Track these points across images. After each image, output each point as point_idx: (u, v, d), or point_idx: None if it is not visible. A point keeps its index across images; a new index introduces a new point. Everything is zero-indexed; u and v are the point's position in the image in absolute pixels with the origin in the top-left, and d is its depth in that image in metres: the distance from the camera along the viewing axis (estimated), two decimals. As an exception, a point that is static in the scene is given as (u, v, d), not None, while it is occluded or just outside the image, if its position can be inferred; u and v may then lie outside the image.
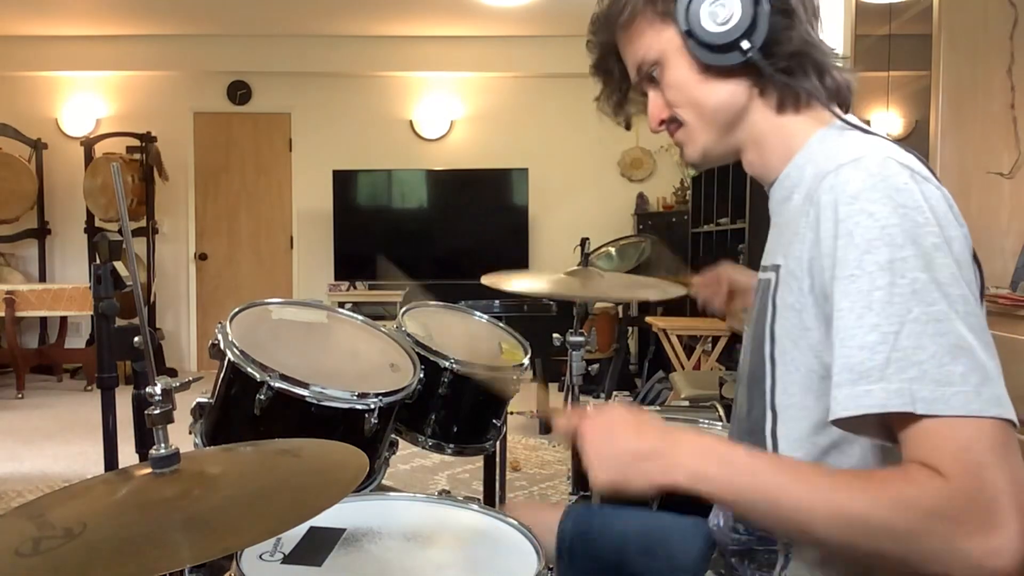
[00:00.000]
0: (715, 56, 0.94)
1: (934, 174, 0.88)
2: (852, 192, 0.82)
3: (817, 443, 0.89)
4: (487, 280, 1.96)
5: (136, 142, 6.37)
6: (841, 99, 0.99)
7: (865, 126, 0.95)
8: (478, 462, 2.66)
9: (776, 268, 0.93)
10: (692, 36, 0.94)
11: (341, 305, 5.29)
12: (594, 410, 0.93)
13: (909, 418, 0.76)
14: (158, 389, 0.87)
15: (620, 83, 1.09)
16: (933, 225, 0.80)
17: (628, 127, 1.15)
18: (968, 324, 0.77)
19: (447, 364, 1.73)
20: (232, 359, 1.42)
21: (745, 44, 0.92)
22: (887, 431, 0.79)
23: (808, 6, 0.96)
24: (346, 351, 1.66)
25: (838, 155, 0.88)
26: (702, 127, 1.00)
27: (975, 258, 0.87)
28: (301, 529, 1.08)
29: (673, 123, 1.03)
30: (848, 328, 0.79)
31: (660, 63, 0.99)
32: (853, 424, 0.79)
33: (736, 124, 0.99)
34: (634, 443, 0.87)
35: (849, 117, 0.96)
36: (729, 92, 0.97)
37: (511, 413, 2.99)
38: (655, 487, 0.84)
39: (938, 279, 0.78)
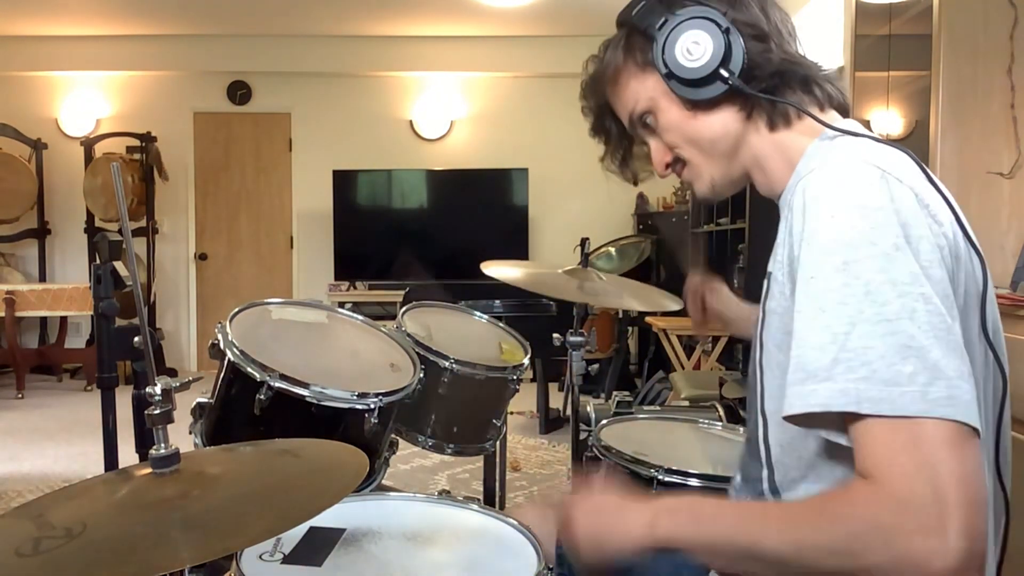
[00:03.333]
0: (698, 91, 0.97)
1: (926, 172, 0.88)
2: (817, 195, 0.84)
3: (808, 448, 0.90)
4: (487, 267, 1.97)
5: (136, 142, 6.38)
6: (836, 106, 1.00)
7: (857, 129, 0.95)
8: (478, 462, 2.67)
9: (768, 275, 0.94)
10: (673, 77, 0.97)
11: (341, 305, 5.28)
12: (577, 497, 0.97)
13: (856, 418, 0.76)
14: (158, 389, 0.87)
15: (620, 140, 1.15)
16: (894, 225, 0.80)
17: (635, 183, 1.21)
18: (927, 323, 0.76)
19: (447, 364, 1.73)
20: (232, 359, 1.42)
21: (724, 72, 0.95)
22: (844, 430, 0.79)
23: (783, 28, 0.99)
24: (346, 351, 1.66)
25: (816, 162, 0.90)
26: (704, 161, 1.03)
27: (978, 253, 0.87)
28: (301, 529, 1.08)
29: (677, 164, 1.06)
30: (803, 329, 0.80)
31: (651, 110, 1.03)
32: (806, 421, 0.80)
33: (736, 151, 1.01)
34: (612, 508, 0.92)
35: (842, 123, 0.97)
36: (721, 122, 1.00)
37: (511, 413, 2.99)
38: (634, 544, 0.88)
39: (895, 279, 0.77)
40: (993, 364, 0.90)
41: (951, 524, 0.70)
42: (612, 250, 6.22)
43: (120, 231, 6.12)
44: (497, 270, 1.96)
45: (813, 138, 0.98)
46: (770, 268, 0.94)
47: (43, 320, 6.51)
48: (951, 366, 0.75)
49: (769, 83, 0.96)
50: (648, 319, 5.35)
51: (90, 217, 6.40)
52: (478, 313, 2.09)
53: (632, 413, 1.85)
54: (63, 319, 6.28)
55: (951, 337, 0.76)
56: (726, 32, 0.94)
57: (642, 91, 1.03)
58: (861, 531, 0.72)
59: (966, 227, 0.88)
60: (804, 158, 0.97)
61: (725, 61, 0.94)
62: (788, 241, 0.88)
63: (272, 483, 0.89)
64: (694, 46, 0.95)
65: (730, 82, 0.95)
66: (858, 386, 0.75)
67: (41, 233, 6.66)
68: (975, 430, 0.73)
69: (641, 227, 6.57)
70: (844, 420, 0.77)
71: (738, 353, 4.79)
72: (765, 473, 0.96)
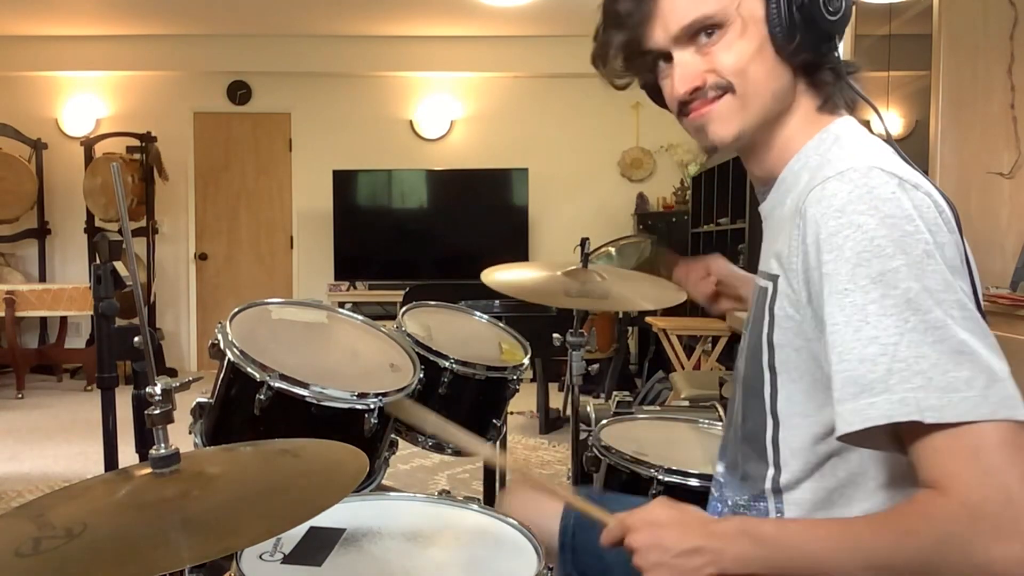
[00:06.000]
0: (804, 43, 0.90)
1: (928, 178, 0.88)
2: (838, 206, 0.82)
3: (817, 451, 0.90)
4: (486, 275, 1.96)
5: (136, 142, 6.37)
6: (850, 104, 0.99)
7: (862, 128, 0.95)
8: (478, 462, 2.66)
9: (774, 278, 0.92)
10: (801, 11, 0.88)
11: (341, 305, 5.28)
12: (636, 515, 0.90)
13: (918, 428, 0.75)
14: (158, 389, 0.87)
15: (634, 29, 0.96)
16: (922, 233, 0.79)
17: (618, 87, 1.03)
18: (967, 328, 0.76)
19: (447, 364, 1.73)
20: (232, 359, 1.42)
21: (828, 43, 0.91)
22: (897, 442, 0.78)
23: None
24: (346, 351, 1.66)
25: (827, 165, 0.88)
26: (750, 107, 0.93)
27: (968, 263, 0.86)
28: (301, 529, 1.08)
29: (707, 96, 0.93)
30: (846, 342, 0.79)
31: (725, 25, 0.91)
32: (860, 438, 0.78)
33: (778, 118, 0.96)
34: (682, 544, 0.85)
35: (849, 119, 0.96)
36: (789, 82, 0.94)
37: (511, 413, 2.99)
38: None
39: (930, 287, 0.77)
40: None
41: None
42: (612, 250, 6.21)
43: (120, 231, 6.12)
44: (496, 278, 1.94)
45: (815, 129, 0.96)
46: (774, 271, 0.93)
47: (43, 320, 6.51)
48: (999, 367, 0.75)
49: (833, 67, 0.94)
50: (648, 319, 5.35)
51: (90, 217, 6.40)
52: (478, 313, 2.09)
53: (632, 413, 1.85)
54: (63, 319, 6.28)
55: (990, 339, 0.77)
56: (849, 4, 0.91)
57: (731, 2, 0.91)
58: (937, 544, 0.72)
59: (964, 242, 0.87)
60: (802, 150, 0.96)
61: (837, 30, 0.91)
62: (802, 249, 0.86)
63: (272, 483, 0.89)
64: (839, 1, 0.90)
65: (834, 53, 0.91)
66: (917, 395, 0.74)
67: (41, 233, 6.65)
68: None
69: (641, 227, 6.57)
70: (900, 431, 0.76)
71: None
72: (771, 473, 0.95)
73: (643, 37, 0.96)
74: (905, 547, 0.74)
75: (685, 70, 0.93)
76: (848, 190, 0.82)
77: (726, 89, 0.93)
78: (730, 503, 1.03)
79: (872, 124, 0.99)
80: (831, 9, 0.89)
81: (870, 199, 0.81)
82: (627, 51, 0.98)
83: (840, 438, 0.79)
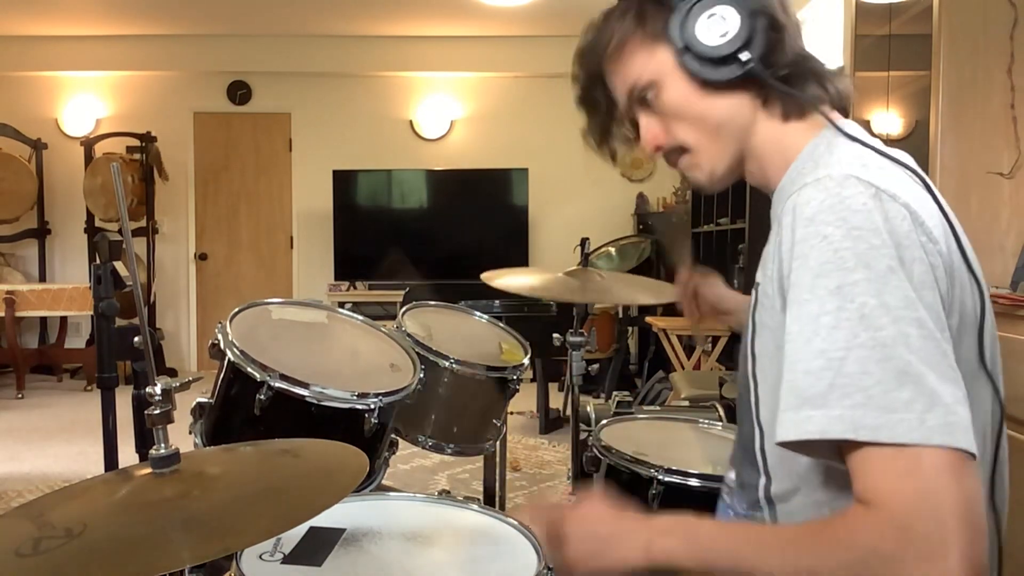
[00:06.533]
0: (715, 70, 0.92)
1: (928, 185, 0.86)
2: (809, 214, 0.81)
3: (800, 460, 0.89)
4: (486, 277, 1.95)
5: (136, 142, 6.38)
6: (840, 106, 0.98)
7: (857, 132, 0.94)
8: (478, 462, 2.66)
9: (757, 286, 0.92)
10: (690, 51, 0.92)
11: (341, 305, 5.28)
12: (571, 506, 0.94)
13: (853, 445, 0.74)
14: (158, 389, 0.87)
15: (606, 115, 1.07)
16: (888, 247, 0.78)
17: (614, 160, 1.13)
18: (922, 348, 0.75)
19: (447, 364, 1.73)
20: (232, 359, 1.42)
21: (743, 56, 0.91)
22: (838, 453, 0.78)
23: (793, 22, 0.97)
24: (346, 351, 1.66)
25: (809, 171, 0.88)
26: (707, 145, 0.98)
27: (978, 282, 0.85)
28: (301, 529, 1.08)
29: (673, 152, 1.01)
30: (796, 352, 0.78)
31: (655, 85, 0.97)
32: (800, 447, 0.79)
33: (741, 139, 0.98)
34: (608, 527, 0.89)
35: (844, 123, 0.95)
36: (731, 106, 0.96)
37: (511, 413, 2.99)
38: (628, 565, 0.86)
39: (888, 303, 0.76)
40: (991, 394, 0.88)
41: (953, 550, 0.69)
42: (612, 250, 6.21)
43: (120, 231, 6.12)
44: (496, 283, 1.94)
45: (812, 134, 0.96)
46: (758, 279, 0.93)
47: (43, 320, 6.51)
48: (947, 392, 0.74)
49: (786, 72, 0.93)
50: (648, 319, 5.35)
51: (90, 217, 6.40)
52: (478, 313, 2.09)
53: (632, 413, 1.85)
54: (63, 319, 6.29)
55: (946, 362, 0.75)
56: (752, 14, 0.91)
57: (649, 64, 0.97)
58: (863, 558, 0.71)
59: (965, 250, 0.86)
60: (799, 158, 0.95)
61: (747, 44, 0.91)
62: (777, 256, 0.86)
63: (272, 483, 0.89)
64: (718, 23, 0.91)
65: (750, 66, 0.91)
66: (854, 413, 0.74)
67: (41, 233, 6.66)
68: (972, 455, 0.73)
69: (641, 227, 6.57)
70: (839, 445, 0.76)
71: (737, 353, 4.78)
72: (763, 482, 0.95)
73: (616, 114, 1.06)
74: (830, 558, 0.73)
75: (646, 134, 1.01)
76: (821, 198, 0.82)
77: (681, 149, 1.00)
78: (737, 511, 1.03)
79: (872, 124, 0.98)
80: (719, 34, 0.91)
81: (840, 209, 0.80)
82: (611, 129, 1.09)
83: (779, 444, 0.79)
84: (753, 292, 0.94)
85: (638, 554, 0.85)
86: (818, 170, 0.87)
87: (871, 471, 0.74)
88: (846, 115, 0.99)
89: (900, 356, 0.74)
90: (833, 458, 0.79)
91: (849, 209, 0.80)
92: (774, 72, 0.93)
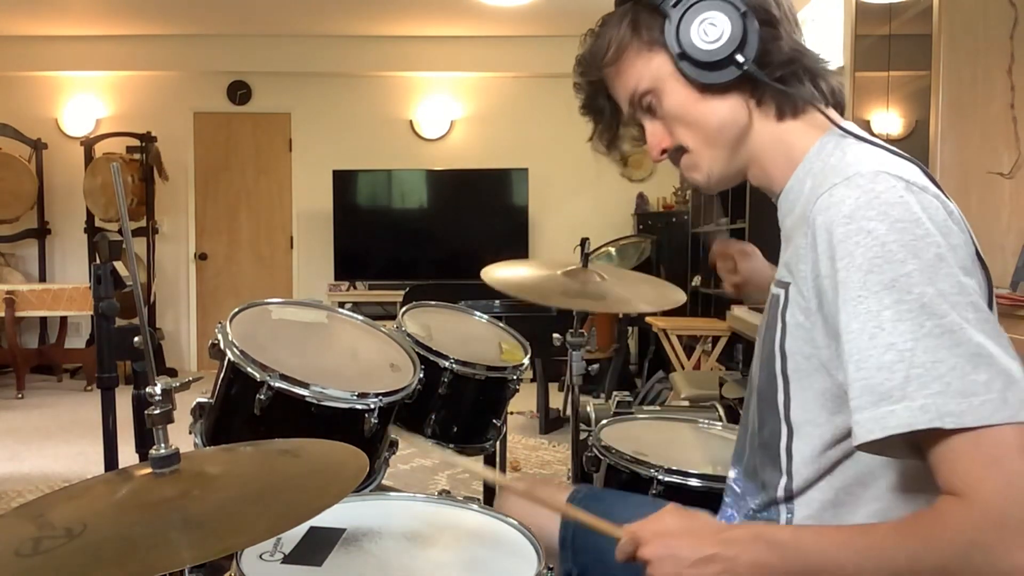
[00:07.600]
0: (711, 74, 0.94)
1: (934, 181, 0.87)
2: (847, 212, 0.82)
3: (830, 456, 0.89)
4: (486, 272, 1.95)
5: (136, 142, 6.37)
6: (836, 103, 0.99)
7: (862, 132, 0.94)
8: (478, 462, 2.66)
9: (785, 285, 0.92)
10: (685, 58, 0.94)
11: (341, 305, 5.28)
12: (646, 527, 0.89)
13: (937, 434, 0.74)
14: (158, 389, 0.87)
15: (611, 120, 1.10)
16: (934, 236, 0.79)
17: (625, 163, 1.15)
18: (982, 330, 0.76)
19: (447, 364, 1.73)
20: (232, 359, 1.42)
21: (739, 58, 0.92)
22: (915, 450, 0.78)
23: (790, 16, 0.97)
24: (346, 351, 1.66)
25: (832, 172, 0.88)
26: (706, 148, 1.00)
27: (982, 263, 0.86)
28: (301, 529, 1.08)
29: (676, 152, 1.02)
30: (862, 350, 0.78)
31: (654, 91, 0.99)
32: (879, 447, 0.78)
33: (741, 141, 0.99)
34: (696, 552, 0.84)
35: (846, 124, 0.96)
36: (729, 108, 0.97)
37: (511, 413, 2.99)
38: None
39: (944, 290, 0.76)
40: None
41: None
42: (612, 250, 6.21)
43: (120, 231, 6.12)
44: (496, 276, 1.93)
45: (815, 134, 0.96)
46: (785, 279, 0.92)
47: (43, 320, 6.51)
48: (1015, 368, 0.75)
49: (781, 72, 0.94)
50: (648, 319, 5.35)
51: (90, 217, 6.40)
52: (478, 313, 2.09)
53: (632, 413, 1.85)
54: (63, 319, 6.28)
55: (1004, 339, 0.77)
56: (743, 15, 0.92)
57: (646, 71, 0.99)
58: (964, 553, 0.71)
59: (975, 243, 0.87)
60: (806, 158, 0.96)
61: (741, 46, 0.92)
62: (812, 257, 0.86)
63: (272, 483, 0.89)
64: (710, 27, 0.92)
65: (745, 67, 0.92)
66: (936, 401, 0.73)
67: (41, 233, 6.65)
68: None
69: (641, 227, 6.57)
70: (919, 438, 0.76)
71: (738, 353, 4.78)
72: (783, 481, 0.95)
73: (622, 118, 1.09)
74: (927, 555, 0.73)
75: (651, 139, 1.03)
76: (856, 196, 0.82)
77: (682, 149, 1.01)
78: (744, 511, 1.03)
79: (872, 124, 0.99)
80: (713, 39, 0.92)
81: (878, 204, 0.80)
82: (618, 133, 1.12)
83: (859, 447, 0.79)
84: (780, 291, 0.93)
85: (721, 566, 0.82)
86: (836, 171, 0.87)
87: (957, 459, 0.74)
88: (841, 112, 1.00)
89: (969, 339, 0.75)
90: (909, 455, 0.79)
91: (887, 203, 0.80)
92: (770, 72, 0.94)
